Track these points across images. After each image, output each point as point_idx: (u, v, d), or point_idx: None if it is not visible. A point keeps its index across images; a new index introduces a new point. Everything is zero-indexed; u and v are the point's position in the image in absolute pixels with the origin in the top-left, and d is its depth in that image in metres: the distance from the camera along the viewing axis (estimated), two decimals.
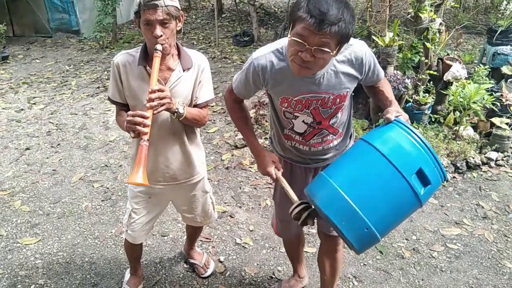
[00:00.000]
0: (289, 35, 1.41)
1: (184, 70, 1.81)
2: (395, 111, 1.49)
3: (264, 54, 1.60)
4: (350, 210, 1.34)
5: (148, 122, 1.58)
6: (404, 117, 1.47)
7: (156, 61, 1.65)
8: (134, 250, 2.27)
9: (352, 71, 1.58)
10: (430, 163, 1.38)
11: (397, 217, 1.44)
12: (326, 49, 1.34)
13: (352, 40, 1.54)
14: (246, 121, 1.85)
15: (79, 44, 7.88)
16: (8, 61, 6.89)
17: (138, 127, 1.56)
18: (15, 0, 7.84)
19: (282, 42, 1.59)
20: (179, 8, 1.70)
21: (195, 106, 1.89)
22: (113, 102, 1.90)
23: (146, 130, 1.57)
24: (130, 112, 1.62)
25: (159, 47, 1.65)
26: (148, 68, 1.75)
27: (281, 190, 1.87)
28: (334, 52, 1.38)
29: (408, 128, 1.41)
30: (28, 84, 5.88)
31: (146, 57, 1.74)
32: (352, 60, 1.56)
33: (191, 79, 1.84)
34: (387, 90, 1.72)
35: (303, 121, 1.69)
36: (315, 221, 1.65)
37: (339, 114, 1.69)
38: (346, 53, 1.55)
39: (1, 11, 7.97)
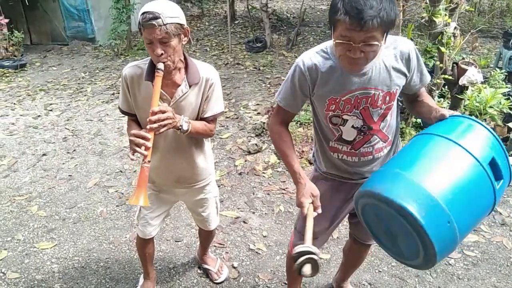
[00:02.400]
0: (333, 39, 1.40)
1: (190, 86, 1.78)
2: (446, 111, 1.46)
3: (309, 56, 1.57)
4: (438, 210, 1.22)
5: (149, 144, 1.58)
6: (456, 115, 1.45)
7: (158, 81, 1.62)
8: (146, 248, 2.28)
9: (400, 66, 1.55)
10: (502, 153, 1.34)
11: (477, 219, 1.36)
12: (374, 43, 1.32)
13: (397, 37, 1.56)
14: (289, 146, 1.70)
15: (95, 52, 8.02)
16: (25, 68, 7.04)
17: (138, 149, 1.58)
18: (33, 9, 8.02)
19: (326, 43, 1.58)
20: (182, 23, 1.65)
21: (202, 119, 1.88)
22: (123, 112, 1.91)
23: (146, 152, 1.58)
24: (132, 132, 1.64)
25: (160, 66, 1.63)
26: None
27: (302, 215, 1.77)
28: (383, 41, 1.35)
29: (475, 120, 1.38)
30: (45, 91, 6.00)
31: (153, 72, 1.70)
32: (399, 55, 1.54)
33: (197, 94, 1.81)
34: (429, 101, 1.64)
35: (352, 126, 1.61)
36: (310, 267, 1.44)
37: (388, 116, 1.63)
38: (393, 49, 1.54)
39: (19, 20, 8.18)
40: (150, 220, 2.13)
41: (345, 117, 1.60)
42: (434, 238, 1.21)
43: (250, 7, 8.72)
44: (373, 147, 1.67)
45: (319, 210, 1.58)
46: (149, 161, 1.59)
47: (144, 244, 2.26)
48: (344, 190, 1.80)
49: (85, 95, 5.78)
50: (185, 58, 1.80)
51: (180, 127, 1.71)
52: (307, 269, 1.37)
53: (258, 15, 9.19)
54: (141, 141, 1.59)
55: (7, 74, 6.72)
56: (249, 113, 4.97)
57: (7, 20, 6.96)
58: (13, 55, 7.02)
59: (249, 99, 5.42)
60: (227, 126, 4.64)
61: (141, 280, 2.45)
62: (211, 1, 11.61)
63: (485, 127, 1.36)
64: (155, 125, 1.59)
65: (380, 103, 1.56)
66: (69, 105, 5.45)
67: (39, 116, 5.10)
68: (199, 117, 1.88)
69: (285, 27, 9.10)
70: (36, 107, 5.39)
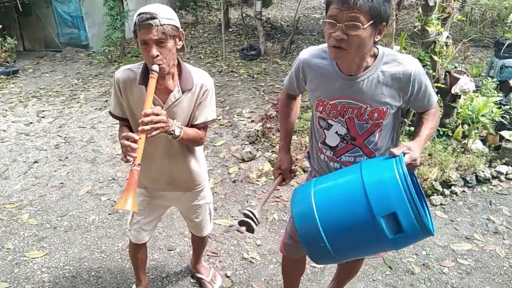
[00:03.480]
0: (322, 21, 1.44)
1: (183, 92, 1.76)
2: (406, 147, 1.41)
3: (309, 51, 1.65)
4: (312, 220, 1.37)
5: (138, 146, 1.55)
6: (410, 156, 1.38)
7: (152, 83, 1.60)
8: (138, 253, 2.25)
9: (396, 86, 1.50)
10: (409, 211, 1.27)
11: (355, 244, 1.41)
12: (357, 23, 1.31)
13: (404, 55, 1.53)
14: (288, 117, 1.89)
15: (88, 58, 7.99)
16: (18, 75, 6.99)
17: (130, 153, 1.54)
18: (26, 15, 7.99)
19: None
20: (178, 26, 1.66)
21: (192, 125, 1.86)
22: (114, 116, 1.88)
23: (135, 154, 1.54)
24: (123, 134, 1.60)
25: (155, 67, 1.61)
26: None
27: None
28: (366, 26, 1.33)
29: (402, 168, 1.30)
30: (37, 97, 5.96)
31: (147, 76, 1.67)
32: (399, 75, 1.49)
33: (190, 100, 1.80)
34: (427, 125, 1.58)
35: (336, 132, 1.63)
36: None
37: (376, 134, 1.59)
38: (394, 66, 1.49)
39: (12, 26, 8.13)
40: (144, 226, 2.12)
41: (330, 121, 1.63)
42: (311, 254, 1.47)
43: (244, 15, 8.76)
44: (355, 159, 1.65)
45: (287, 181, 1.85)
46: (139, 164, 1.54)
47: (137, 250, 2.23)
48: None
49: (78, 102, 5.75)
50: (179, 63, 1.79)
51: (172, 132, 1.69)
52: (243, 228, 1.67)
53: (252, 23, 9.24)
54: (131, 143, 1.56)
55: None
56: (243, 120, 4.97)
57: (0, 26, 6.92)
58: (5, 61, 6.97)
59: (243, 106, 5.42)
60: (221, 133, 4.63)
61: None
62: (205, 9, 11.66)
63: (407, 181, 1.28)
64: (147, 127, 1.56)
65: (366, 117, 1.55)
66: (61, 112, 5.41)
67: (31, 123, 5.06)
68: (189, 124, 1.86)
69: (279, 35, 9.15)
70: (28, 114, 5.35)
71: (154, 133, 1.59)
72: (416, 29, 3.97)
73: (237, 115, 5.13)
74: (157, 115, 1.59)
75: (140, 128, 1.56)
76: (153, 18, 1.56)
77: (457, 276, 2.59)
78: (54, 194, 3.53)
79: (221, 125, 4.85)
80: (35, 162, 4.09)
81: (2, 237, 2.99)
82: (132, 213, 2.09)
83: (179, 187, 2.03)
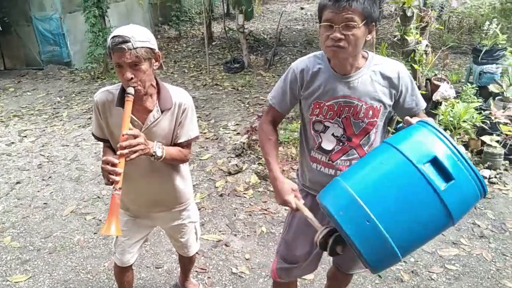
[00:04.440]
0: (319, 26, 1.52)
1: (162, 112, 1.75)
2: (418, 118, 1.44)
3: (302, 59, 1.71)
4: (369, 224, 1.20)
5: (119, 170, 1.53)
6: (430, 120, 1.41)
7: (128, 106, 1.59)
8: (124, 276, 2.20)
9: (387, 84, 1.60)
10: (465, 173, 1.21)
11: (422, 233, 1.26)
12: (352, 23, 1.42)
13: (390, 59, 1.67)
14: (272, 145, 1.75)
15: (71, 76, 7.92)
16: None
17: (111, 176, 1.53)
18: (6, 33, 7.90)
19: (319, 51, 1.69)
20: (153, 48, 1.64)
21: (175, 144, 1.85)
22: (96, 138, 1.87)
23: (118, 178, 1.53)
24: (103, 158, 1.60)
25: (130, 90, 1.59)
26: None
27: (297, 227, 1.82)
28: (362, 27, 1.45)
29: (437, 129, 1.28)
30: (19, 116, 5.86)
31: (124, 98, 1.65)
32: (389, 74, 1.60)
33: (170, 119, 1.79)
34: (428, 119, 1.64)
35: (332, 134, 1.65)
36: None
37: (371, 135, 1.65)
38: (383, 66, 1.61)
39: None
40: (128, 247, 2.07)
41: (326, 123, 1.65)
42: (354, 237, 1.22)
43: (227, 28, 8.82)
44: (350, 162, 1.67)
45: (302, 200, 1.64)
46: (120, 188, 1.53)
47: (123, 272, 2.19)
48: (321, 212, 1.78)
49: (61, 120, 5.67)
50: (157, 83, 1.77)
51: (154, 154, 1.67)
52: (339, 246, 1.43)
53: (235, 36, 9.30)
54: (110, 168, 1.54)
55: None
56: (229, 133, 4.96)
57: None
58: None
59: (228, 119, 5.42)
60: (206, 147, 4.61)
61: None
62: (188, 23, 11.70)
63: (434, 130, 1.27)
64: (125, 151, 1.55)
65: (362, 115, 1.60)
66: (44, 130, 5.33)
67: (12, 143, 4.97)
68: (172, 143, 1.84)
69: (262, 48, 9.21)
70: (9, 134, 5.25)
71: (132, 156, 1.58)
72: (395, 38, 4.04)
73: (223, 128, 5.12)
74: (135, 137, 1.58)
75: (118, 153, 1.55)
76: (126, 41, 1.54)
77: (445, 282, 2.61)
78: (37, 215, 3.45)
79: (206, 138, 4.83)
80: (18, 182, 4.00)
81: None
82: (117, 236, 2.04)
83: (163, 206, 2.00)
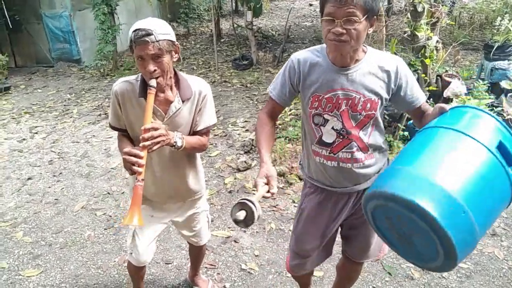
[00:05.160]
0: (321, 20, 1.52)
1: (183, 101, 1.79)
2: (447, 105, 1.45)
3: (301, 52, 1.73)
4: (456, 208, 1.15)
5: (142, 162, 1.56)
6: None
7: (150, 98, 1.62)
8: (140, 272, 2.25)
9: (385, 77, 1.61)
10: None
11: (494, 209, 1.26)
12: (354, 18, 1.43)
13: (389, 53, 1.71)
14: (267, 134, 1.73)
15: (80, 73, 7.98)
16: (10, 91, 6.96)
17: (134, 167, 1.56)
18: (17, 31, 7.99)
19: (319, 45, 1.71)
20: (173, 40, 1.67)
21: (194, 132, 1.88)
22: (113, 128, 1.90)
23: (141, 170, 1.56)
24: (125, 150, 1.61)
25: (153, 83, 1.63)
26: None
27: (306, 220, 1.85)
28: (364, 21, 1.45)
29: (478, 109, 1.33)
30: (30, 113, 5.92)
31: (146, 88, 1.69)
32: (387, 67, 1.61)
33: (190, 108, 1.82)
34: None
35: (332, 127, 1.67)
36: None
37: (369, 128, 1.66)
38: (381, 60, 1.62)
39: (3, 43, 8.13)
40: (144, 247, 2.06)
41: (326, 116, 1.66)
42: (450, 230, 1.13)
43: (235, 25, 8.81)
44: (352, 154, 1.68)
45: (272, 190, 1.52)
46: (142, 180, 1.56)
47: (137, 271, 2.22)
48: (330, 205, 1.80)
49: (71, 117, 5.72)
50: (175, 74, 1.80)
51: (174, 144, 1.70)
52: (240, 213, 1.39)
53: (243, 33, 9.28)
54: (134, 159, 1.57)
55: None
56: (238, 130, 4.97)
57: None
58: None
59: (237, 116, 5.42)
60: (215, 144, 4.62)
61: None
62: (197, 20, 11.69)
63: (490, 115, 1.31)
64: (148, 143, 1.58)
65: (360, 108, 1.62)
66: (54, 127, 5.38)
67: (24, 139, 5.02)
68: (191, 131, 1.87)
69: (270, 44, 9.19)
70: (21, 130, 5.31)
71: (155, 147, 1.61)
72: (406, 34, 4.01)
73: (232, 125, 5.13)
74: (156, 129, 1.60)
75: (141, 144, 1.58)
76: (149, 34, 1.57)
77: (456, 280, 2.58)
78: (48, 211, 3.49)
79: (215, 135, 4.84)
80: (29, 178, 4.05)
81: None
82: (132, 234, 2.04)
83: (181, 196, 2.03)
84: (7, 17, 7.11)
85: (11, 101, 6.52)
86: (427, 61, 3.84)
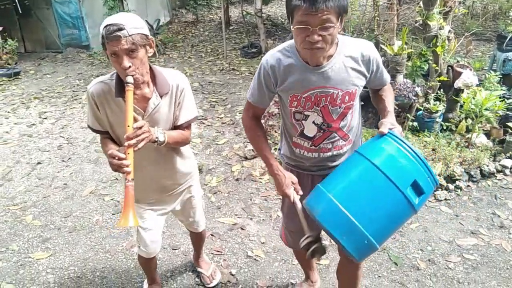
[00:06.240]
0: (292, 27, 1.46)
1: (161, 96, 1.75)
2: (389, 123, 1.56)
3: (272, 54, 1.66)
4: (349, 223, 1.42)
5: (127, 162, 1.53)
6: (398, 130, 1.54)
7: (129, 95, 1.56)
8: (150, 263, 2.29)
9: (359, 67, 1.61)
10: (424, 174, 1.45)
11: (393, 226, 1.53)
12: (330, 25, 1.39)
13: (359, 39, 1.66)
14: (263, 140, 1.80)
15: (89, 59, 7.99)
16: (20, 76, 7.00)
17: (125, 169, 1.53)
18: (26, 17, 8.00)
19: (288, 42, 1.65)
20: (147, 34, 1.62)
21: (176, 127, 1.85)
22: (94, 130, 1.84)
23: (129, 169, 1.53)
24: (109, 152, 1.58)
25: (129, 79, 1.57)
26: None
27: (288, 201, 1.87)
28: (338, 24, 1.42)
29: (401, 141, 1.48)
30: (39, 99, 5.96)
31: (122, 88, 1.63)
32: (360, 57, 1.60)
33: (169, 103, 1.79)
34: (388, 100, 1.76)
35: (313, 122, 1.68)
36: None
37: (348, 116, 1.69)
38: (354, 50, 1.60)
39: (13, 28, 8.14)
40: (151, 240, 2.08)
41: (306, 113, 1.68)
42: (356, 255, 1.46)
43: (244, 12, 8.74)
44: (332, 144, 1.74)
45: (300, 192, 1.74)
46: (132, 179, 1.53)
47: (148, 262, 2.25)
48: (306, 185, 1.85)
49: (80, 103, 5.75)
50: (150, 68, 1.75)
51: (156, 139, 1.67)
52: (317, 255, 1.70)
53: (252, 20, 9.21)
54: (118, 161, 1.54)
55: (1, 83, 6.67)
56: None
57: (0, 28, 6.92)
58: (7, 63, 6.98)
59: (244, 104, 5.40)
60: (223, 132, 4.62)
61: (145, 285, 2.45)
62: (206, 7, 11.62)
63: (412, 148, 1.46)
64: (133, 141, 1.55)
65: (339, 102, 1.63)
66: (63, 112, 5.41)
67: (33, 124, 5.06)
68: (172, 126, 1.85)
69: (279, 32, 9.11)
70: (30, 115, 5.35)
71: (140, 145, 1.58)
72: (417, 23, 3.94)
73: (239, 113, 5.12)
74: (139, 127, 1.57)
75: (126, 144, 1.55)
76: (121, 29, 1.52)
77: (463, 271, 2.58)
78: (57, 195, 3.53)
79: (223, 123, 4.84)
80: (38, 163, 4.09)
81: (7, 239, 2.99)
82: (138, 229, 2.05)
83: (172, 188, 2.03)
84: (17, 2, 7.10)
85: (21, 86, 6.56)
86: (439, 49, 3.78)
